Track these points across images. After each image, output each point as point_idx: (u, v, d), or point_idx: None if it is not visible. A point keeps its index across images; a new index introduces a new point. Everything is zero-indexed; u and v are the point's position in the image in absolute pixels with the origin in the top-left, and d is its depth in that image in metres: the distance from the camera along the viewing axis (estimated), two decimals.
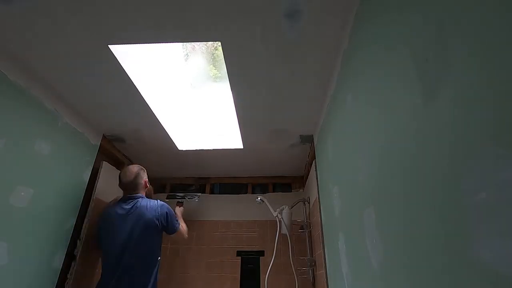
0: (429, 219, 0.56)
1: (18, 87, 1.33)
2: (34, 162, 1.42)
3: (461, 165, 0.46)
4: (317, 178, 1.87)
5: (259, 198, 2.30)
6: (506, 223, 0.37)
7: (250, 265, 2.43)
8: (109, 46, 1.24)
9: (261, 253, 2.45)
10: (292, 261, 2.19)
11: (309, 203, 2.30)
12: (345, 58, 1.16)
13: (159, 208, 1.70)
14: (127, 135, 2.03)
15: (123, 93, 1.55)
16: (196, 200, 2.29)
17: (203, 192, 2.79)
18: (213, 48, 1.24)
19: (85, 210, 1.84)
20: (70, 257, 1.69)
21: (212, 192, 2.81)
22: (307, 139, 2.04)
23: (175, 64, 1.42)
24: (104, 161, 2.03)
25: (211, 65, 1.39)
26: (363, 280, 0.96)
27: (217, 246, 2.51)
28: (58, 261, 1.57)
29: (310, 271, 2.13)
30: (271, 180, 2.74)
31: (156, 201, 1.73)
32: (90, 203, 1.87)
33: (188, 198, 2.34)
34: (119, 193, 2.23)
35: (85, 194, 1.80)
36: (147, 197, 1.77)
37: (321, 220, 1.78)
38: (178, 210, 2.20)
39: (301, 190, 2.68)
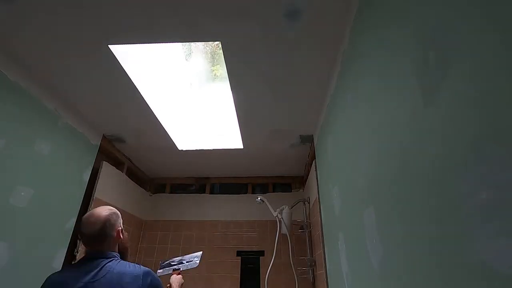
0: (429, 219, 0.56)
1: (18, 87, 1.33)
2: (34, 162, 1.42)
3: (461, 165, 0.46)
4: (317, 178, 1.87)
5: (259, 198, 2.30)
6: (506, 223, 0.37)
7: (250, 265, 2.43)
8: (109, 46, 1.24)
9: (261, 253, 2.45)
10: (292, 261, 2.19)
11: (309, 203, 2.30)
12: (345, 58, 1.16)
13: (141, 280, 0.99)
14: (127, 135, 2.03)
15: (123, 93, 1.55)
16: (197, 262, 1.58)
17: (203, 192, 2.79)
18: (217, 48, 1.24)
19: (85, 210, 1.84)
20: (70, 257, 1.69)
21: (212, 192, 2.81)
22: (307, 139, 2.04)
23: (175, 64, 1.42)
24: (104, 161, 2.03)
25: (217, 65, 1.38)
26: (363, 280, 0.96)
27: (217, 246, 2.51)
28: (58, 261, 1.57)
29: (310, 271, 2.13)
30: (271, 180, 2.74)
31: (136, 266, 1.03)
32: (90, 203, 1.87)
33: (187, 262, 1.62)
34: (119, 193, 2.23)
35: (85, 194, 1.80)
36: (121, 258, 1.07)
37: (321, 220, 1.78)
38: (175, 280, 1.50)
39: (301, 190, 2.68)
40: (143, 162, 2.50)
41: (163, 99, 1.66)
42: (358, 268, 1.03)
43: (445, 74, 0.50)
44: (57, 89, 1.53)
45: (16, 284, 1.31)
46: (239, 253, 2.47)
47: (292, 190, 2.71)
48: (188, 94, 1.65)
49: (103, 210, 1.07)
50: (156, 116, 1.77)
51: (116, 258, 1.04)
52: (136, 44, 1.24)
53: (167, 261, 1.63)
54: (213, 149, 2.21)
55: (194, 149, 2.20)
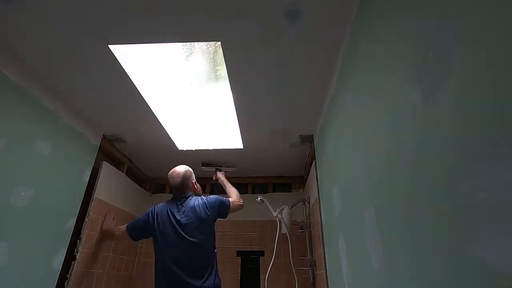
0: (429, 219, 0.56)
1: (18, 87, 1.33)
2: (34, 162, 1.42)
3: (461, 165, 0.46)
4: (317, 178, 1.87)
5: (259, 198, 2.30)
6: (506, 223, 0.37)
7: (250, 265, 2.43)
8: (109, 46, 1.24)
9: (261, 253, 2.45)
10: (292, 261, 2.19)
11: (309, 203, 2.30)
12: (345, 58, 1.16)
13: (205, 199, 1.75)
14: (127, 135, 2.03)
15: (123, 93, 1.55)
16: (234, 169, 2.39)
17: (203, 192, 2.79)
18: (220, 48, 1.24)
19: (85, 210, 1.84)
20: (70, 257, 1.69)
21: (212, 192, 2.81)
22: (307, 139, 2.04)
23: (175, 64, 1.42)
24: (104, 161, 2.03)
25: (221, 65, 1.38)
26: (363, 280, 0.96)
27: (217, 246, 2.50)
28: (58, 261, 1.57)
29: (310, 271, 2.13)
30: (271, 180, 2.74)
31: (202, 197, 1.80)
32: (90, 203, 1.87)
33: (225, 167, 2.36)
34: (119, 193, 2.24)
35: (85, 194, 1.80)
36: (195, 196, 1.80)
37: (321, 220, 1.78)
38: (221, 176, 2.25)
39: (301, 190, 2.68)
40: (143, 162, 2.50)
41: (163, 99, 1.66)
42: (358, 268, 1.03)
43: (445, 74, 0.50)
44: (57, 89, 1.53)
45: (16, 284, 1.31)
46: (239, 253, 2.47)
47: (292, 190, 2.71)
48: (188, 94, 1.65)
49: (181, 168, 1.82)
50: (156, 116, 1.77)
51: (192, 196, 1.77)
52: (136, 44, 1.24)
53: (206, 162, 2.34)
54: (213, 149, 2.21)
55: (194, 149, 2.20)
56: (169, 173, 1.82)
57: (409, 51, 0.63)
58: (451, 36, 0.49)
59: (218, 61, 1.40)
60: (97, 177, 1.95)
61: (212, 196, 1.80)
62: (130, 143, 2.14)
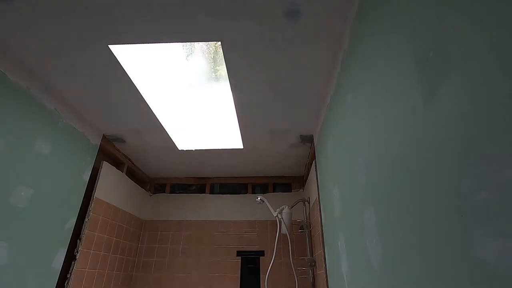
0: (429, 219, 0.56)
1: (18, 87, 1.33)
2: (34, 162, 1.42)
3: (461, 165, 0.46)
4: (317, 178, 1.87)
5: (259, 198, 2.30)
6: (506, 223, 0.37)
7: (250, 265, 2.43)
8: (109, 46, 1.24)
9: (261, 253, 2.45)
10: (292, 261, 2.19)
11: (309, 203, 2.30)
12: (345, 58, 1.16)
13: None
14: (127, 135, 2.03)
15: (123, 93, 1.55)
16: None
17: (203, 192, 2.79)
18: (220, 48, 1.24)
19: (85, 210, 1.84)
20: (70, 257, 1.70)
21: (212, 192, 2.81)
22: (307, 139, 2.04)
23: (175, 64, 1.42)
24: (104, 161, 2.03)
25: (221, 65, 1.38)
26: (363, 280, 0.96)
27: (217, 246, 2.51)
28: (58, 261, 1.57)
29: (310, 271, 2.13)
30: (271, 180, 2.74)
31: None
32: (90, 203, 1.87)
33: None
34: (119, 193, 2.24)
35: (85, 194, 1.80)
36: None
37: (321, 220, 1.78)
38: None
39: (301, 190, 2.68)
40: (143, 162, 2.50)
41: (163, 99, 1.66)
42: (358, 268, 1.03)
43: (445, 74, 0.50)
44: (57, 89, 1.53)
45: (16, 284, 1.31)
46: (239, 253, 2.47)
47: (292, 190, 2.71)
48: (188, 94, 1.65)
49: None
50: (156, 116, 1.77)
51: None
52: (136, 44, 1.24)
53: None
54: (213, 149, 2.21)
55: (194, 149, 2.20)
56: None
57: (409, 51, 0.63)
58: (451, 35, 0.49)
59: (218, 61, 1.41)
60: (97, 177, 1.95)
61: None
62: (130, 143, 2.14)
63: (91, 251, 1.88)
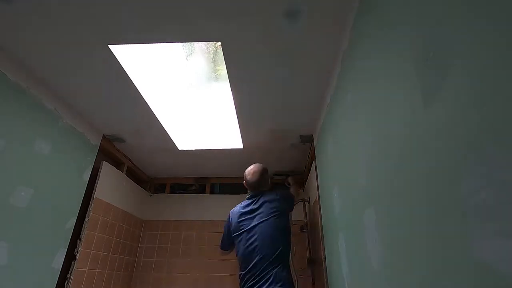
0: (429, 219, 0.56)
1: (18, 87, 1.33)
2: (34, 162, 1.42)
3: (461, 165, 0.46)
4: (317, 178, 1.87)
5: None
6: (506, 223, 0.37)
7: None
8: (109, 46, 1.24)
9: None
10: (292, 261, 2.18)
11: (309, 203, 2.30)
12: (345, 58, 1.16)
13: (277, 195, 1.81)
14: (127, 135, 2.03)
15: (123, 93, 1.55)
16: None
17: (203, 192, 2.79)
18: (220, 48, 1.24)
19: (85, 210, 1.84)
20: (70, 257, 1.70)
21: (212, 192, 2.81)
22: (307, 139, 2.04)
23: (175, 64, 1.42)
24: (104, 161, 2.03)
25: (221, 65, 1.38)
26: (363, 280, 0.96)
27: (218, 246, 2.50)
28: (58, 261, 1.57)
29: (310, 271, 2.13)
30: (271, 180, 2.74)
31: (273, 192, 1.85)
32: (90, 203, 1.87)
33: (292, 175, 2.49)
34: (119, 193, 2.24)
35: (85, 194, 1.80)
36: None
37: (321, 220, 1.78)
38: (291, 180, 2.39)
39: (301, 190, 2.68)
40: (143, 162, 2.50)
41: (163, 99, 1.66)
42: (358, 268, 1.03)
43: (445, 74, 0.50)
44: (57, 89, 1.53)
45: (16, 284, 1.31)
46: None
47: None
48: (188, 94, 1.65)
49: (258, 168, 1.87)
50: (156, 116, 1.77)
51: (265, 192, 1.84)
52: (136, 44, 1.24)
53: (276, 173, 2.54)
54: (213, 149, 2.21)
55: (194, 149, 2.20)
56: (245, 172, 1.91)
57: (409, 51, 0.63)
58: (451, 36, 0.49)
59: (218, 61, 1.41)
60: (97, 177, 1.95)
61: (284, 191, 1.98)
62: (130, 143, 2.14)
63: (91, 251, 1.88)
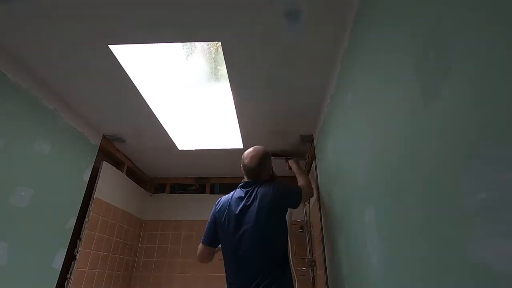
0: (429, 219, 0.56)
1: (18, 87, 1.33)
2: (34, 162, 1.42)
3: (461, 165, 0.46)
4: (317, 178, 1.87)
5: None
6: (506, 223, 0.37)
7: None
8: (109, 46, 1.24)
9: None
10: (292, 261, 2.18)
11: (309, 203, 2.30)
12: (345, 58, 1.16)
13: (272, 189, 1.43)
14: (127, 135, 2.03)
15: (123, 93, 1.55)
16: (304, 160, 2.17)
17: (203, 192, 2.79)
18: (220, 47, 1.24)
19: (85, 210, 1.84)
20: (70, 257, 1.69)
21: (212, 192, 2.81)
22: (307, 139, 2.04)
23: (175, 64, 1.42)
24: (104, 161, 2.03)
25: (222, 65, 1.38)
26: (363, 280, 0.96)
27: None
28: (58, 261, 1.57)
29: (310, 271, 2.13)
30: None
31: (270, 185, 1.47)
32: (90, 203, 1.87)
33: (295, 157, 2.06)
34: (119, 193, 2.23)
35: (85, 194, 1.80)
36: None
37: (321, 220, 1.78)
38: (293, 164, 1.93)
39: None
40: (143, 162, 2.50)
41: (163, 99, 1.66)
42: (358, 268, 1.03)
43: (445, 74, 0.50)
44: (57, 89, 1.53)
45: (16, 284, 1.31)
46: None
47: None
48: (188, 94, 1.65)
49: (258, 151, 1.52)
50: (156, 116, 1.77)
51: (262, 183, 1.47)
52: (136, 44, 1.24)
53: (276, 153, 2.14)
54: (213, 149, 2.21)
55: (194, 149, 2.20)
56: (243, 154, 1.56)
57: (409, 51, 0.63)
58: (451, 35, 0.49)
59: (218, 61, 1.41)
60: (97, 177, 1.95)
61: (279, 183, 1.52)
62: (130, 143, 2.14)
63: (91, 251, 1.88)
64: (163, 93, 1.62)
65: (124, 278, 2.31)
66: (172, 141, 2.08)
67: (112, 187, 2.13)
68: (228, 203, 1.45)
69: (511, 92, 0.37)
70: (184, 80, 1.54)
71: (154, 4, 1.05)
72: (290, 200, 1.48)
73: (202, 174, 2.75)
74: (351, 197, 1.12)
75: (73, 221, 1.70)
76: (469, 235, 0.44)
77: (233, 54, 1.27)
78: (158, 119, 1.80)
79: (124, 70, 1.38)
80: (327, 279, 1.61)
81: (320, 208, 1.80)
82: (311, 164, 2.10)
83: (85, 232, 1.80)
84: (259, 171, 1.50)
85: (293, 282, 1.39)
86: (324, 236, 1.70)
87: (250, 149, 1.54)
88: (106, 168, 2.05)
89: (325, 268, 1.64)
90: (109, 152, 2.12)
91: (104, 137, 2.01)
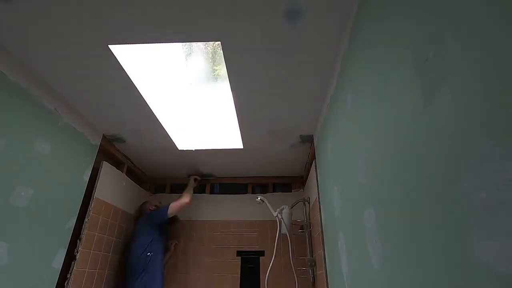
0: (429, 219, 0.56)
1: (18, 87, 1.33)
2: (34, 162, 1.42)
3: (461, 165, 0.46)
4: (317, 178, 1.87)
5: (259, 198, 2.30)
6: (506, 223, 0.37)
7: (250, 265, 2.43)
8: (109, 46, 1.24)
9: (261, 253, 2.45)
10: (292, 261, 2.19)
11: (309, 203, 2.30)
12: (345, 58, 1.16)
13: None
14: (127, 135, 2.03)
15: (123, 93, 1.55)
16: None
17: (203, 192, 2.79)
18: (219, 47, 1.24)
19: (85, 210, 1.84)
20: (70, 257, 1.69)
21: (212, 192, 2.81)
22: (307, 139, 2.04)
23: (175, 64, 1.42)
24: (104, 161, 2.03)
25: (219, 64, 1.38)
26: (363, 280, 0.96)
27: (217, 246, 2.51)
28: (58, 261, 1.57)
29: (310, 271, 2.13)
30: (271, 180, 2.74)
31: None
32: (90, 203, 1.87)
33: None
34: (119, 193, 2.24)
35: (85, 194, 1.80)
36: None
37: (321, 220, 1.78)
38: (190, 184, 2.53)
39: (301, 190, 2.68)
40: (143, 162, 2.50)
41: (163, 99, 1.66)
42: (358, 268, 1.03)
43: (445, 74, 0.50)
44: (57, 89, 1.53)
45: (16, 284, 1.31)
46: (239, 253, 2.47)
47: (292, 190, 2.71)
48: (188, 94, 1.65)
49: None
50: (156, 116, 1.77)
51: None
52: (136, 44, 1.24)
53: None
54: (213, 149, 2.21)
55: (194, 149, 2.20)
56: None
57: (409, 51, 0.63)
58: (451, 36, 0.49)
59: (217, 60, 1.41)
60: (97, 177, 1.95)
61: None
62: (130, 143, 2.14)
63: (91, 251, 1.88)
64: (163, 93, 1.62)
65: (124, 278, 2.30)
66: (172, 141, 2.08)
67: (112, 187, 2.13)
68: None
69: (511, 91, 0.37)
70: (184, 80, 1.54)
71: (154, 4, 1.05)
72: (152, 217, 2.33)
73: (202, 174, 2.75)
74: (351, 197, 1.12)
75: (73, 221, 1.70)
76: (469, 235, 0.44)
77: (233, 54, 1.27)
78: (158, 119, 1.80)
79: (124, 70, 1.38)
80: (327, 279, 1.61)
81: (320, 208, 1.80)
82: (311, 164, 2.10)
83: (85, 232, 1.80)
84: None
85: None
86: (324, 236, 1.70)
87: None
88: (106, 168, 2.05)
89: (325, 268, 1.65)
90: (109, 152, 2.12)
91: (104, 137, 2.01)
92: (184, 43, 1.27)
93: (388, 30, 0.74)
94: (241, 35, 1.17)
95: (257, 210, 2.52)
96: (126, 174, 2.35)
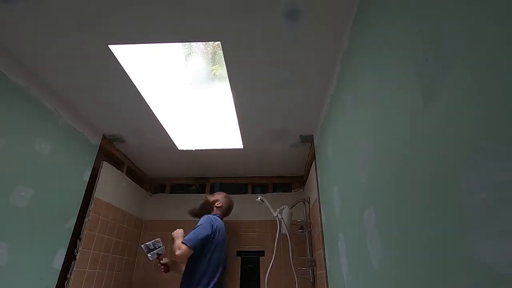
0: (429, 219, 0.56)
1: (18, 87, 1.33)
2: (34, 162, 1.42)
3: (461, 165, 0.46)
4: (317, 178, 1.87)
5: (259, 198, 2.30)
6: (506, 223, 0.37)
7: (250, 265, 2.43)
8: (109, 46, 1.24)
9: (261, 253, 2.45)
10: (292, 261, 2.19)
11: (309, 203, 2.30)
12: (345, 58, 1.16)
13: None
14: (127, 135, 2.03)
15: (123, 93, 1.55)
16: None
17: (203, 192, 2.79)
18: (218, 48, 1.24)
19: (85, 210, 1.84)
20: (70, 257, 1.69)
21: (212, 192, 2.81)
22: (307, 139, 2.04)
23: (175, 64, 1.42)
24: (104, 161, 2.03)
25: (216, 64, 1.38)
26: (363, 280, 0.96)
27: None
28: (58, 261, 1.57)
29: (310, 271, 2.13)
30: (271, 180, 2.74)
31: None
32: (90, 203, 1.87)
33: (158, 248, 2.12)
34: (119, 193, 2.24)
35: (85, 194, 1.80)
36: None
37: (321, 220, 1.78)
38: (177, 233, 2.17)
39: (301, 190, 2.68)
40: (143, 162, 2.50)
41: (163, 99, 1.66)
42: (358, 268, 1.03)
43: (445, 74, 0.50)
44: (57, 89, 1.53)
45: (16, 284, 1.31)
46: (239, 253, 2.47)
47: (292, 190, 2.71)
48: (188, 94, 1.65)
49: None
50: (156, 116, 1.77)
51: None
52: (136, 44, 1.24)
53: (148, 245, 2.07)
54: (213, 149, 2.21)
55: (194, 149, 2.20)
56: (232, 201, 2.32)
57: (409, 51, 0.63)
58: (451, 36, 0.49)
59: (217, 61, 1.41)
60: (97, 177, 1.95)
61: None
62: (130, 143, 2.14)
63: (91, 251, 1.88)
64: (163, 93, 1.62)
65: (124, 278, 2.30)
66: (172, 141, 2.08)
67: (112, 187, 2.13)
68: (222, 230, 2.10)
69: (511, 91, 0.37)
70: (184, 80, 1.54)
71: (154, 4, 1.05)
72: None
73: (202, 174, 2.75)
74: (351, 197, 1.12)
75: (73, 221, 1.70)
76: (469, 235, 0.44)
77: (232, 54, 1.27)
78: (158, 119, 1.80)
79: (124, 70, 1.38)
80: (327, 279, 1.61)
81: (320, 208, 1.80)
82: (311, 164, 2.10)
83: (85, 232, 1.80)
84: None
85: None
86: (324, 236, 1.70)
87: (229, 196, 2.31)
88: (106, 168, 2.05)
89: (325, 268, 1.65)
90: (109, 152, 2.12)
91: (104, 137, 2.01)
92: (184, 43, 1.27)
93: (388, 31, 0.74)
94: (241, 35, 1.17)
95: (257, 210, 2.52)
96: (126, 174, 2.35)
